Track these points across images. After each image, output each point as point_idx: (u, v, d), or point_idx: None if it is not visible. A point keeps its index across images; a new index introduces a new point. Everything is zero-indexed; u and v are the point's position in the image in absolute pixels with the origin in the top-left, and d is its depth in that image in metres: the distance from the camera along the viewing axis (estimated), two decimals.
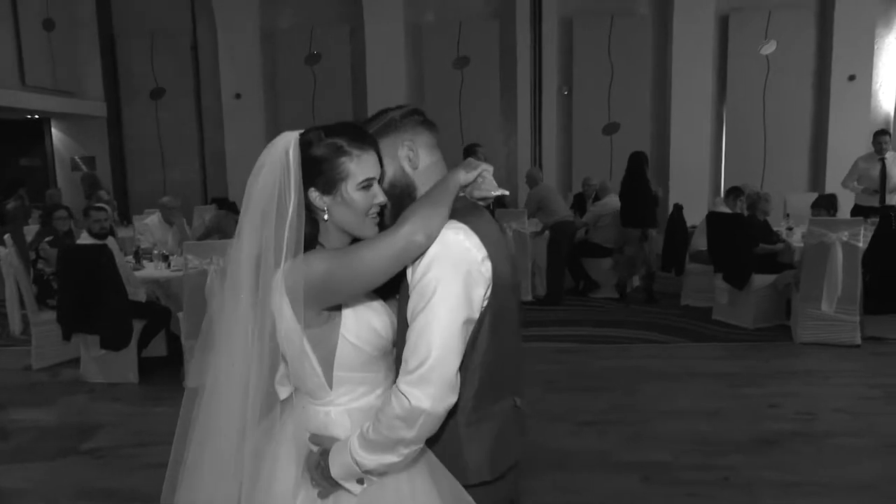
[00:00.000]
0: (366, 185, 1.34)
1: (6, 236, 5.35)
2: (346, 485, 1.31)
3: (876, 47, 9.16)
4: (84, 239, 4.96)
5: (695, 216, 7.53)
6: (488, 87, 9.54)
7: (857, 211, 6.89)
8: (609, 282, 7.05)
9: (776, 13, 9.16)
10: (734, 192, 6.45)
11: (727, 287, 5.91)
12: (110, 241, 4.89)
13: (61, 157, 10.33)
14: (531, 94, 9.45)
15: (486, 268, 1.31)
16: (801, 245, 5.68)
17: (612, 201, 7.04)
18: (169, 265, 5.35)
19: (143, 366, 4.81)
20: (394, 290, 1.39)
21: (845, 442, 3.59)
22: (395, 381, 1.30)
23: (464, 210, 1.36)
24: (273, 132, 9.69)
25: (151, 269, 5.34)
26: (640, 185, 6.60)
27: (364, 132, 1.38)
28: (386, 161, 1.39)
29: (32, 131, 10.32)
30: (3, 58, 8.57)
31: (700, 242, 6.47)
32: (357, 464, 1.28)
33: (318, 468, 1.33)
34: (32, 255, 5.27)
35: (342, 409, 1.38)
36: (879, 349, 5.12)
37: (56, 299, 4.84)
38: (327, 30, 9.71)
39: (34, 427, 4.06)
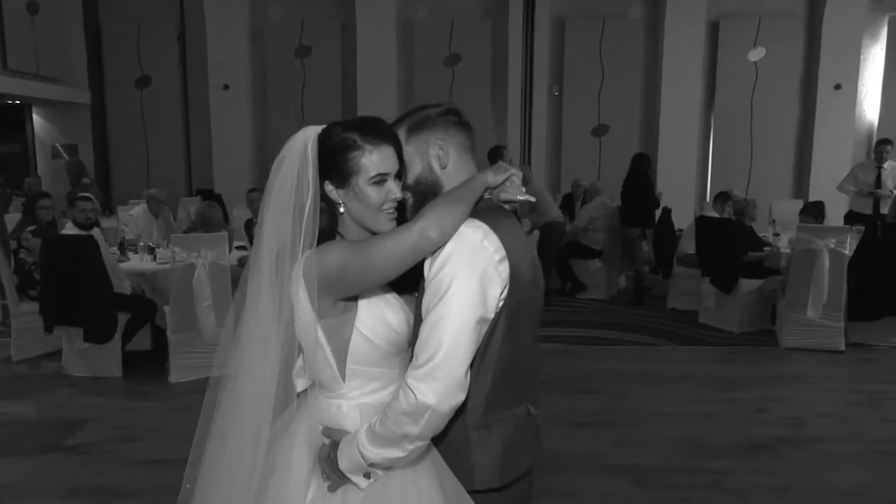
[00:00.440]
0: (378, 180, 1.34)
1: None
2: (353, 478, 1.32)
3: (862, 58, 9.29)
4: (69, 229, 4.86)
5: (681, 220, 7.59)
6: (479, 85, 9.53)
7: (851, 216, 6.98)
8: (597, 283, 7.08)
9: (766, 21, 9.26)
10: (722, 197, 6.51)
11: (714, 291, 5.96)
12: (95, 232, 4.78)
13: (42, 143, 10.11)
14: (522, 93, 9.45)
15: (504, 268, 1.31)
16: (788, 251, 5.74)
17: (603, 203, 7.07)
18: (155, 258, 5.27)
19: (127, 360, 4.72)
20: (412, 284, 1.39)
21: (833, 448, 3.63)
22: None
23: (488, 211, 1.36)
24: (261, 125, 9.66)
25: (137, 262, 5.25)
26: (643, 186, 6.73)
27: (382, 128, 1.37)
28: (416, 157, 1.40)
29: (12, 117, 10.09)
30: None
31: (688, 246, 6.51)
32: (363, 457, 1.28)
33: (328, 461, 1.34)
34: (14, 245, 5.15)
35: (354, 404, 1.39)
36: (863, 355, 5.20)
37: (38, 290, 4.73)
38: (318, 24, 9.61)
39: (15, 420, 3.97)
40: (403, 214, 1.41)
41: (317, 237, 1.35)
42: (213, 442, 1.40)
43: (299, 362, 1.45)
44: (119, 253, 5.36)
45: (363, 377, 1.38)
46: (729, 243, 5.77)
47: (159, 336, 4.95)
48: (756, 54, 9.31)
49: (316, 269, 1.31)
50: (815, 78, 9.30)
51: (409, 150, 1.40)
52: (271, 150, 9.89)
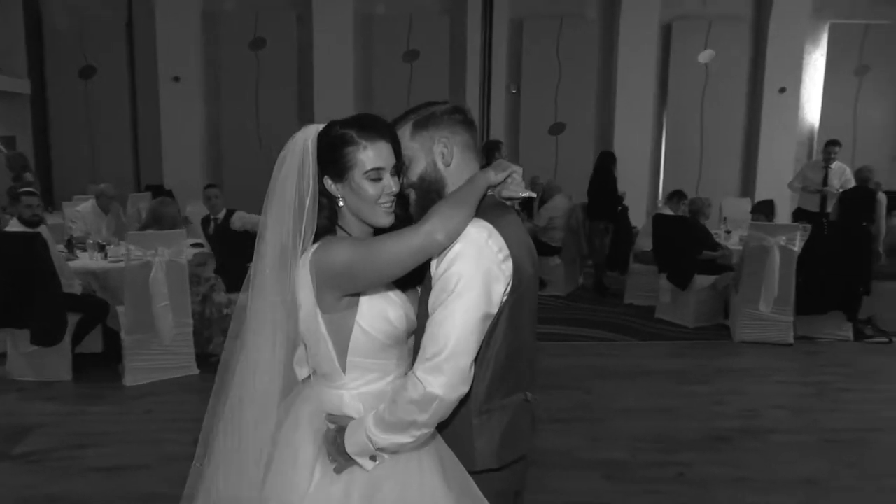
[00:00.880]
0: (374, 175, 1.40)
1: None
2: (360, 461, 1.38)
3: (804, 62, 9.68)
4: (13, 226, 4.61)
5: (635, 217, 7.77)
6: (438, 82, 9.49)
7: (799, 214, 7.26)
8: (556, 280, 7.16)
9: (715, 24, 9.54)
10: (677, 196, 6.67)
11: (670, 287, 6.11)
12: (42, 229, 4.55)
13: None
14: (480, 91, 9.47)
15: (507, 266, 1.37)
16: (739, 248, 5.94)
17: (561, 202, 7.15)
18: (106, 256, 5.07)
19: (77, 363, 4.53)
20: (416, 280, 1.44)
21: (788, 438, 3.77)
22: (408, 368, 1.43)
23: (490, 208, 1.42)
24: (213, 118, 9.38)
25: (86, 260, 5.04)
26: (607, 181, 7.02)
27: (378, 124, 1.42)
28: (421, 154, 1.45)
29: None
30: None
31: (644, 243, 6.66)
32: (371, 442, 1.35)
33: (335, 444, 1.40)
34: None
35: (355, 393, 1.46)
36: (811, 348, 5.42)
37: None
38: (273, 15, 9.40)
39: None
40: (407, 210, 1.47)
41: (315, 230, 1.42)
42: (223, 426, 1.47)
43: (300, 352, 1.51)
44: (67, 251, 5.13)
45: (362, 368, 1.45)
46: (685, 241, 5.93)
47: (111, 337, 4.76)
48: (706, 56, 9.58)
49: (323, 265, 1.36)
50: (761, 81, 9.64)
51: (413, 146, 1.46)
52: (224, 144, 9.67)
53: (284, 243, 1.41)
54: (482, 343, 1.36)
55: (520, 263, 1.40)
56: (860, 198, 6.16)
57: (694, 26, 9.55)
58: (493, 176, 1.40)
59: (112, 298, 4.73)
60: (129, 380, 4.40)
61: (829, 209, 7.10)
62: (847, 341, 5.57)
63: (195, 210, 6.65)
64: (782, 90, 9.56)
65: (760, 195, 8.77)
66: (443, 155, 1.44)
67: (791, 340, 5.43)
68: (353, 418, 1.42)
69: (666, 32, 9.64)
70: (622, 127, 9.57)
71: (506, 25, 9.49)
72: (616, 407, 4.14)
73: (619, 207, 7.31)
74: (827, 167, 7.24)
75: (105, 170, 9.42)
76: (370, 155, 1.39)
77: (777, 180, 9.38)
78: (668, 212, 6.50)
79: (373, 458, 1.38)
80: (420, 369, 1.31)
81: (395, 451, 1.37)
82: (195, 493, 1.50)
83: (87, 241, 5.32)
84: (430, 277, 1.38)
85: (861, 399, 4.37)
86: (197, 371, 4.59)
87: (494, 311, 1.36)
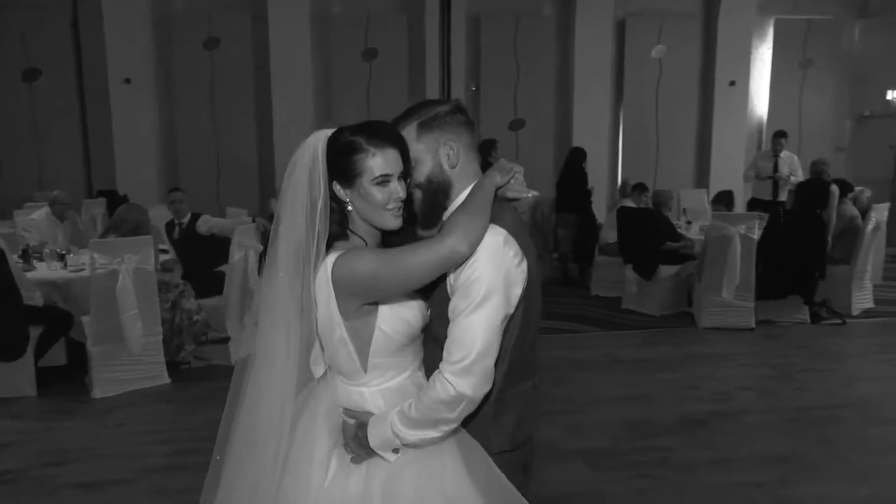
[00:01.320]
0: (382, 181, 1.43)
1: None
2: (382, 454, 1.43)
3: (752, 57, 10.02)
4: None
5: (596, 211, 7.90)
6: (397, 81, 9.46)
7: (754, 203, 7.54)
8: None
9: (667, 20, 9.78)
10: (639, 188, 6.84)
11: (636, 277, 6.25)
12: None
13: None
14: (440, 88, 9.47)
15: (523, 268, 1.45)
16: (700, 238, 6.12)
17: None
18: (65, 265, 4.89)
19: (40, 377, 4.36)
20: (431, 286, 1.47)
21: (760, 419, 3.92)
22: (420, 365, 1.53)
23: (497, 210, 1.45)
24: (167, 120, 9.11)
25: (45, 270, 4.85)
26: (577, 177, 7.29)
27: (386, 131, 1.46)
28: (427, 156, 1.49)
29: None
30: None
31: (609, 235, 6.80)
32: (398, 437, 1.41)
33: (356, 439, 1.45)
34: None
35: (375, 390, 1.50)
36: (772, 332, 5.63)
37: None
38: (226, 15, 9.19)
39: None
40: (412, 210, 1.52)
41: (328, 234, 1.45)
42: (238, 426, 1.49)
43: (316, 350, 1.54)
44: (23, 261, 4.93)
45: (382, 367, 1.50)
46: (649, 232, 6.08)
47: (75, 349, 4.60)
48: (659, 52, 9.82)
49: (345, 275, 1.40)
50: (711, 75, 9.93)
51: (419, 147, 1.49)
52: (181, 147, 9.42)
53: (298, 246, 1.43)
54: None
55: (531, 264, 1.47)
56: (815, 189, 6.45)
57: (646, 22, 9.77)
58: (499, 178, 1.46)
59: (75, 309, 4.56)
60: (99, 392, 4.26)
61: (782, 197, 7.39)
62: (804, 324, 5.81)
63: (156, 215, 6.46)
64: (732, 84, 9.88)
65: (715, 185, 9.04)
66: (449, 157, 1.48)
67: (753, 325, 5.63)
68: (372, 414, 1.46)
69: (620, 29, 9.83)
70: (580, 122, 9.71)
71: (463, 23, 9.52)
72: (592, 397, 4.22)
73: (588, 201, 7.51)
74: (776, 157, 7.55)
75: (53, 176, 9.04)
76: (378, 162, 1.41)
77: (730, 171, 9.70)
78: (630, 204, 6.65)
79: (395, 450, 1.43)
80: (448, 371, 1.37)
81: (422, 445, 1.43)
82: (213, 495, 1.52)
83: (44, 251, 5.12)
84: (447, 283, 1.44)
85: (823, 378, 4.58)
86: (168, 380, 4.48)
87: (512, 311, 1.44)
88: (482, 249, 1.38)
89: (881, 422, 3.87)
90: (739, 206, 7.65)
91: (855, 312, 6.07)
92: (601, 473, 3.26)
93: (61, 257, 4.95)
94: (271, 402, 1.46)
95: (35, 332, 4.29)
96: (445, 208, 1.51)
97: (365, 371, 1.49)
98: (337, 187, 1.46)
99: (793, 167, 7.54)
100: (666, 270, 6.10)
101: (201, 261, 5.23)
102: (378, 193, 1.42)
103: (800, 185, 6.79)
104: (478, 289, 1.37)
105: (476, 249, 1.37)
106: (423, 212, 1.51)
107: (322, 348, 1.53)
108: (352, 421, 1.48)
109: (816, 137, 10.06)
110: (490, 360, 1.38)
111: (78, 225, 6.32)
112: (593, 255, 7.10)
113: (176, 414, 4.13)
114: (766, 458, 3.42)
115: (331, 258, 1.43)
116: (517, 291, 1.43)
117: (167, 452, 3.56)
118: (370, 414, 1.47)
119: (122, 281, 4.20)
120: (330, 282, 1.41)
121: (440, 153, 1.48)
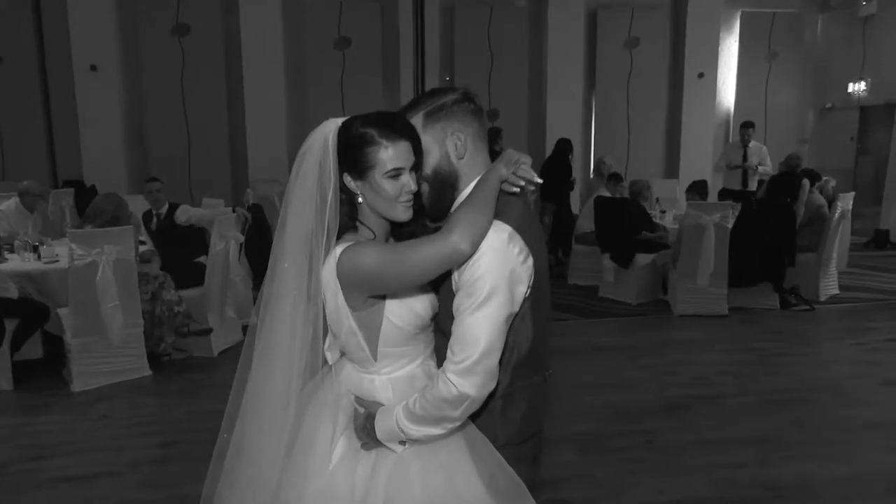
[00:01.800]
0: (394, 174, 1.40)
1: None
2: (389, 445, 1.44)
3: (720, 49, 10.22)
4: None
5: (571, 200, 8.01)
6: (371, 70, 9.41)
7: (725, 193, 7.73)
8: None
9: (638, 12, 9.91)
10: (615, 178, 6.95)
11: (613, 266, 6.36)
12: None
13: None
14: (414, 78, 9.44)
15: (528, 265, 1.41)
16: (675, 227, 6.26)
17: None
18: (39, 256, 4.76)
19: (16, 371, 4.26)
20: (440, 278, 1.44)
21: (738, 402, 4.04)
22: (432, 353, 1.52)
23: (503, 203, 1.41)
24: (135, 109, 8.92)
25: (18, 262, 4.71)
26: (562, 166, 7.45)
27: (399, 123, 1.42)
28: (434, 146, 1.45)
29: None
30: None
31: (586, 225, 6.89)
32: (403, 432, 1.40)
33: (364, 429, 1.45)
34: None
35: (385, 379, 1.50)
36: (745, 318, 5.80)
37: None
38: (196, 1, 9.00)
39: None
40: (420, 202, 1.48)
41: (337, 224, 1.44)
42: (242, 414, 1.51)
43: (330, 337, 1.54)
44: None
45: (392, 356, 1.50)
46: (626, 222, 6.18)
47: (52, 342, 4.50)
48: (630, 43, 9.95)
49: (349, 269, 1.39)
50: (681, 67, 10.12)
51: (426, 138, 1.44)
52: (150, 135, 9.21)
53: (306, 237, 1.42)
54: (507, 335, 1.40)
55: (536, 257, 1.42)
56: (787, 181, 6.67)
57: (618, 14, 9.89)
58: (504, 172, 1.40)
59: (51, 301, 4.45)
60: (78, 385, 4.18)
61: (751, 187, 7.59)
62: (775, 310, 6.00)
63: (130, 205, 6.32)
64: (700, 75, 10.08)
65: (684, 175, 9.24)
66: (456, 147, 1.44)
67: (726, 311, 5.79)
68: (381, 404, 1.46)
69: (592, 19, 9.93)
70: (554, 112, 9.81)
71: (437, 13, 9.49)
72: (575, 384, 4.29)
73: (569, 191, 7.64)
74: (745, 147, 7.74)
75: (15, 166, 8.80)
76: (391, 155, 1.38)
77: (700, 161, 9.91)
78: (606, 193, 6.76)
79: (402, 442, 1.43)
80: (451, 371, 1.35)
81: (426, 440, 1.42)
82: (217, 483, 1.53)
83: (15, 242, 4.97)
84: (452, 279, 1.41)
85: (796, 362, 4.74)
86: (150, 372, 4.42)
87: (517, 309, 1.40)
88: (486, 247, 1.35)
89: (853, 403, 4.03)
90: (711, 196, 7.82)
91: (822, 298, 6.29)
92: (590, 457, 3.33)
93: (35, 248, 4.82)
94: (276, 392, 1.46)
95: (10, 326, 4.19)
96: (454, 200, 1.48)
97: (375, 360, 1.49)
98: (348, 179, 1.44)
99: (761, 157, 7.75)
100: (642, 259, 6.22)
101: (180, 251, 5.15)
102: (390, 186, 1.40)
103: (773, 178, 7.04)
104: (481, 287, 1.34)
105: (478, 247, 1.34)
106: (431, 204, 1.48)
107: (334, 336, 1.53)
108: (362, 410, 1.48)
109: (781, 128, 10.35)
110: (493, 360, 1.36)
111: (48, 216, 6.15)
112: (570, 244, 7.20)
113: (158, 406, 4.07)
114: (746, 440, 3.54)
115: (338, 249, 1.41)
116: (522, 289, 1.40)
117: (153, 444, 3.52)
118: (379, 405, 1.46)
119: (102, 272, 4.12)
120: (334, 275, 1.41)
121: (447, 144, 1.44)
